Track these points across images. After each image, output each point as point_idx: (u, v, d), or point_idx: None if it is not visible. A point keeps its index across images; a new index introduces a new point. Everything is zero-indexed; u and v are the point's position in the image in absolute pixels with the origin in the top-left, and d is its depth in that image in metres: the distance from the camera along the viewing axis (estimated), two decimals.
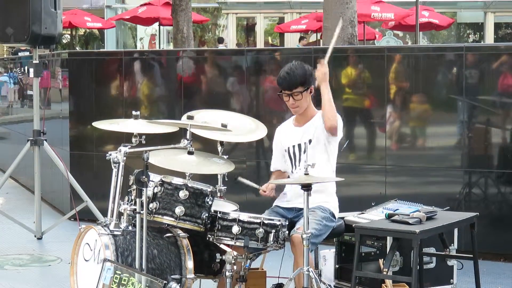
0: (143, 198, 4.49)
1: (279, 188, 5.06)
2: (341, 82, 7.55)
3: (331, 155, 4.98)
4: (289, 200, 4.99)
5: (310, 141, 4.92)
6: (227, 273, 4.58)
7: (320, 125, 4.92)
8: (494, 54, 7.14)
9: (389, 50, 7.79)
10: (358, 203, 6.16)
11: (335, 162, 5.04)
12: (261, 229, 4.59)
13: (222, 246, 4.74)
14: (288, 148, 5.07)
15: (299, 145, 4.99)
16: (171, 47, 20.27)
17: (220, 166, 4.92)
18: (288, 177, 5.09)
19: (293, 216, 4.89)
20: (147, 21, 20.45)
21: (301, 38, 20.69)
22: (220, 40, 22.41)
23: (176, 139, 4.94)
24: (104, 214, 4.92)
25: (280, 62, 7.91)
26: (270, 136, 5.43)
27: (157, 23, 20.35)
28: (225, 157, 5.11)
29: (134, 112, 5.07)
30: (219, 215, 4.64)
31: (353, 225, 4.87)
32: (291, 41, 24.30)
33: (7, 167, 8.07)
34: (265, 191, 5.02)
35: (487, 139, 7.04)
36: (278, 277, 5.07)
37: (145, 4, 20.28)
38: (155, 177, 4.67)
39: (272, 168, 5.26)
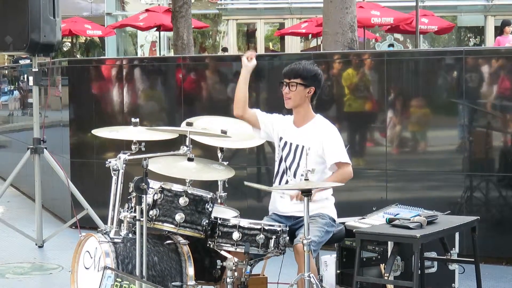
0: (143, 205, 4.48)
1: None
2: (341, 87, 7.54)
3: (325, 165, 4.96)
4: (287, 211, 4.95)
5: (303, 147, 4.89)
6: (228, 280, 4.57)
7: (317, 137, 4.91)
8: (494, 57, 7.12)
9: (389, 55, 7.78)
10: (359, 208, 6.14)
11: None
12: (261, 235, 4.58)
13: (222, 252, 4.73)
14: (282, 139, 5.01)
15: (291, 144, 4.96)
16: (171, 54, 20.27)
17: (220, 173, 4.91)
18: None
19: (292, 224, 4.87)
20: (147, 28, 20.50)
21: None
22: (224, 50, 22.44)
23: (177, 146, 4.93)
24: (105, 221, 4.91)
25: (280, 68, 7.89)
26: (270, 142, 5.40)
27: (155, 29, 20.38)
28: (225, 163, 5.10)
29: (133, 119, 5.08)
30: (219, 221, 4.63)
31: (354, 230, 4.86)
32: (292, 47, 24.30)
33: (8, 175, 8.07)
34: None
35: (488, 143, 7.02)
36: (278, 282, 5.06)
37: (146, 11, 20.32)
38: (154, 184, 4.66)
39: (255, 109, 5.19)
